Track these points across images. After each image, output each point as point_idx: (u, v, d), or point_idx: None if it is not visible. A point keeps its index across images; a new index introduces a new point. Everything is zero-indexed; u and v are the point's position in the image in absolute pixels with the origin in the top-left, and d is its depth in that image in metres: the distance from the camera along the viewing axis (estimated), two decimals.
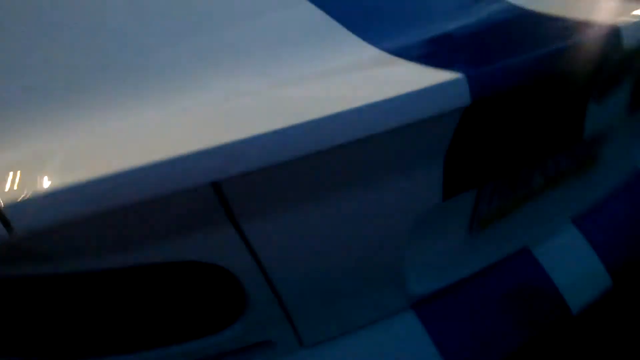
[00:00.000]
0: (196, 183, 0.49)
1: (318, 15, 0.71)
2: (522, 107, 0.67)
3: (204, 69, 0.61)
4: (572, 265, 0.94)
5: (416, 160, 0.62)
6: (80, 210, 0.47)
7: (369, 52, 0.64)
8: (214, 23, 0.70)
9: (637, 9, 0.76)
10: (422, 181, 0.65)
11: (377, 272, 0.71)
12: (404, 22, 0.72)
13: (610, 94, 0.79)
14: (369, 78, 0.61)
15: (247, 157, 0.50)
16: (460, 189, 0.69)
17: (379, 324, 0.80)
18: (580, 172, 0.99)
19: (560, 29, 0.68)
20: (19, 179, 0.47)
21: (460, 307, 0.86)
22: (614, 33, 0.67)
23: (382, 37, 0.67)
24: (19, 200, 0.45)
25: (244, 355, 0.72)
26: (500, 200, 0.87)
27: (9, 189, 0.46)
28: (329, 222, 0.62)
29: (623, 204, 1.03)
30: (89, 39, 0.65)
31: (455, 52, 0.64)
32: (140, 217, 0.50)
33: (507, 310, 0.87)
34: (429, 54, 0.63)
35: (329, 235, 0.63)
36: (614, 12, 0.72)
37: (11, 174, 0.48)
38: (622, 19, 0.69)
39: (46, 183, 0.46)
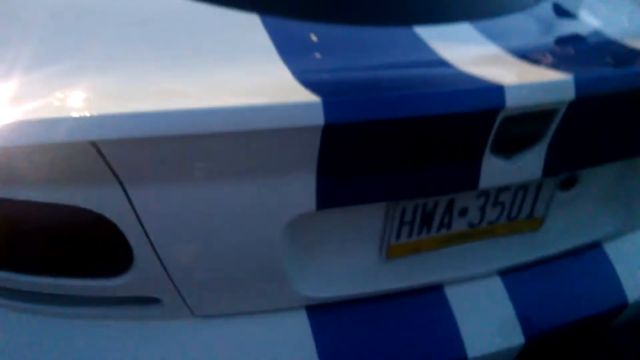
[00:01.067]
0: (77, 140, 0.64)
1: (264, 38, 0.85)
2: (386, 139, 0.74)
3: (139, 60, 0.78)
4: (485, 314, 0.97)
5: (288, 166, 0.72)
6: None
7: (280, 71, 0.76)
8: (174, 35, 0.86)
9: (524, 70, 0.80)
10: (296, 188, 0.74)
11: (256, 265, 0.81)
12: (327, 57, 0.83)
13: (521, 151, 0.83)
14: (260, 88, 0.73)
15: (121, 128, 0.64)
16: (333, 202, 0.78)
17: (271, 314, 0.89)
18: (518, 230, 1.01)
19: (447, 77, 0.76)
20: None
21: (355, 322, 0.93)
22: (497, 91, 0.74)
23: (300, 65, 0.79)
24: None
25: (140, 307, 0.85)
26: (413, 236, 0.93)
27: None
28: (206, 205, 0.74)
29: (558, 274, 1.04)
30: None
31: (344, 85, 0.74)
32: (42, 160, 0.66)
33: (399, 337, 0.93)
34: (321, 83, 0.74)
35: (206, 218, 0.75)
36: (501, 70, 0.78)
37: None
38: (508, 79, 0.75)
39: None
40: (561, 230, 1.05)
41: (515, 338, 0.96)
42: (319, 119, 0.67)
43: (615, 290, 1.05)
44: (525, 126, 0.80)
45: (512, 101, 0.74)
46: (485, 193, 0.93)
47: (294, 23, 0.89)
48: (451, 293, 0.97)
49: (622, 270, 1.07)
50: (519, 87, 0.75)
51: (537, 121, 0.80)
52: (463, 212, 0.94)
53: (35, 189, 0.69)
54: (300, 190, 0.75)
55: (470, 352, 0.93)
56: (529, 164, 0.85)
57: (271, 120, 0.67)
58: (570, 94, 0.77)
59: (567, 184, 1.01)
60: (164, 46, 0.82)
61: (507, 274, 1.01)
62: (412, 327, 0.94)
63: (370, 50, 0.85)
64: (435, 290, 0.97)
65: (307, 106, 0.67)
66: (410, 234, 0.92)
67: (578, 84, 0.77)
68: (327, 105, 0.67)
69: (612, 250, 1.09)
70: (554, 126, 0.81)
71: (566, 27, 1.02)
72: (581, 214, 1.06)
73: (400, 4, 0.97)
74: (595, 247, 1.08)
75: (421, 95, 0.72)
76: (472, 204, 0.94)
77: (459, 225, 0.96)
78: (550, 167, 0.86)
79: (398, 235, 0.92)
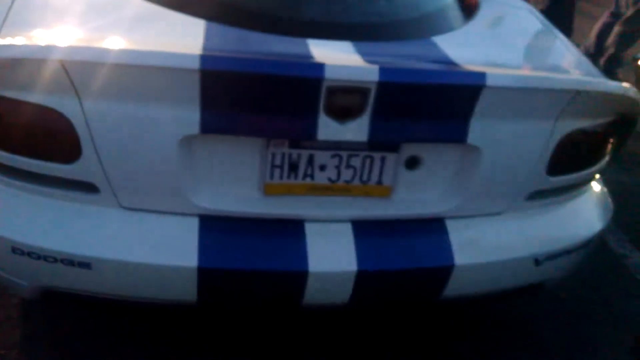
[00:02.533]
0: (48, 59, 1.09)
1: (201, 28, 1.30)
2: (247, 87, 1.14)
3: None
4: (330, 246, 1.31)
5: (181, 95, 1.13)
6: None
7: (195, 42, 1.21)
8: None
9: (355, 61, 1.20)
10: (186, 113, 1.15)
11: (159, 172, 1.21)
12: (237, 42, 1.27)
13: (352, 119, 1.20)
14: (176, 46, 1.17)
15: (80, 54, 1.09)
16: (211, 129, 1.17)
17: (172, 215, 1.28)
18: (371, 194, 1.36)
19: (300, 59, 1.18)
20: None
21: (233, 233, 1.29)
22: (320, 66, 1.12)
23: (212, 43, 1.23)
24: None
25: (85, 193, 1.26)
26: (283, 179, 1.30)
27: None
28: (125, 119, 1.15)
29: (401, 233, 1.37)
30: None
31: (227, 52, 1.17)
32: (31, 71, 1.11)
33: (261, 249, 1.28)
34: (216, 49, 1.18)
35: (125, 129, 1.16)
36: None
37: None
38: (334, 62, 1.14)
39: None
40: (408, 201, 1.39)
41: (349, 266, 1.29)
42: (195, 64, 1.09)
43: (445, 254, 1.36)
44: (349, 99, 1.18)
45: (329, 74, 1.13)
46: (339, 155, 1.30)
47: (228, 28, 1.34)
48: (309, 227, 1.32)
49: (456, 241, 1.38)
50: (337, 67, 1.14)
51: (357, 96, 1.18)
52: (322, 167, 1.31)
53: (21, 91, 1.14)
54: (188, 115, 1.16)
55: (311, 267, 1.27)
56: (357, 129, 1.21)
57: (170, 60, 1.09)
58: (374, 76, 1.15)
59: (411, 164, 1.35)
60: (131, 25, 1.29)
61: (357, 223, 1.35)
62: (273, 244, 1.30)
63: (266, 44, 1.28)
64: (297, 223, 1.32)
65: (191, 56, 1.09)
66: (281, 177, 1.30)
67: (382, 70, 1.15)
68: (203, 57, 1.09)
69: (452, 226, 1.40)
70: (370, 102, 1.18)
71: (417, 48, 1.40)
72: (425, 192, 1.40)
73: (302, 25, 1.40)
74: (438, 220, 1.40)
75: (269, 62, 1.13)
76: (329, 162, 1.30)
77: (321, 178, 1.32)
78: (373, 134, 1.22)
79: (271, 176, 1.29)
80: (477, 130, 1.28)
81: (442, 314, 2.06)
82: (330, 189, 1.34)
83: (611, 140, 1.55)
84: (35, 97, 1.15)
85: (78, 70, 1.11)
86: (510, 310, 2.13)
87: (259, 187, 1.31)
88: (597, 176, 1.69)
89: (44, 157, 1.21)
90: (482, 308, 2.10)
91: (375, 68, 1.15)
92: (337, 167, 1.32)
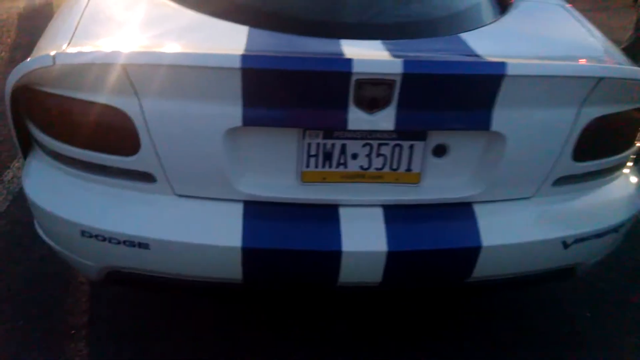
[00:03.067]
0: (114, 63, 1.25)
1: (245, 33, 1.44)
2: (285, 83, 1.26)
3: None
4: (362, 229, 1.41)
5: (225, 92, 1.27)
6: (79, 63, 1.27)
7: (238, 45, 1.35)
8: None
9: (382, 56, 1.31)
10: (229, 108, 1.29)
11: (207, 162, 1.35)
12: (276, 42, 1.41)
13: (379, 109, 1.30)
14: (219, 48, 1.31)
15: (139, 58, 1.24)
16: (253, 122, 1.30)
17: (221, 201, 1.42)
18: (402, 180, 1.46)
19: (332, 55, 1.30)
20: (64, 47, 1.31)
21: (275, 216, 1.42)
22: (348, 61, 1.23)
23: (254, 45, 1.37)
24: (58, 52, 1.28)
25: (144, 183, 1.41)
26: (319, 167, 1.42)
27: (61, 49, 1.30)
28: (178, 115, 1.30)
29: (430, 217, 1.46)
30: None
31: (266, 52, 1.31)
32: (97, 74, 1.28)
33: (300, 230, 1.40)
34: (258, 49, 1.31)
35: (178, 124, 1.31)
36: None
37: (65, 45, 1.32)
38: (361, 57, 1.25)
39: (71, 49, 1.29)
40: (437, 187, 1.48)
41: (379, 246, 1.39)
42: (237, 64, 1.22)
43: (473, 236, 1.44)
44: (376, 90, 1.28)
45: (357, 68, 1.24)
46: (369, 145, 1.40)
47: (268, 32, 1.47)
48: (343, 211, 1.44)
49: (483, 224, 1.46)
50: (364, 61, 1.25)
51: (383, 88, 1.28)
52: (354, 156, 1.42)
53: (89, 93, 1.31)
54: (232, 109, 1.29)
55: (345, 247, 1.38)
56: (385, 119, 1.32)
57: (215, 61, 1.24)
58: (399, 69, 1.25)
59: (439, 152, 1.44)
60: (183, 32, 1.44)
61: (388, 208, 1.45)
62: (310, 227, 1.42)
63: (303, 45, 1.40)
64: (332, 208, 1.44)
65: (233, 56, 1.23)
66: (316, 165, 1.42)
67: (406, 63, 1.25)
68: (243, 57, 1.23)
69: (479, 209, 1.48)
70: (396, 93, 1.29)
71: (443, 44, 1.49)
72: (453, 178, 1.48)
73: (336, 27, 1.52)
74: (466, 205, 1.48)
75: (301, 59, 1.25)
76: (360, 151, 1.41)
77: (353, 166, 1.43)
78: (400, 123, 1.32)
79: (307, 164, 1.41)
80: (501, 117, 1.36)
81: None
82: (362, 176, 1.45)
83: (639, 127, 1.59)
84: (101, 98, 1.31)
85: (137, 73, 1.26)
86: (544, 296, 2.17)
87: (296, 175, 1.44)
88: (630, 163, 1.73)
89: (108, 151, 1.38)
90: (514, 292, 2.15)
91: (399, 61, 1.26)
92: (368, 156, 1.42)
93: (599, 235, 1.55)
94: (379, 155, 1.43)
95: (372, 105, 1.31)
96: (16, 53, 4.30)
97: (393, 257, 1.40)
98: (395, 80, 1.27)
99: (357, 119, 1.32)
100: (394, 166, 1.44)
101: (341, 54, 1.34)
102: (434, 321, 2.06)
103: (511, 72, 1.29)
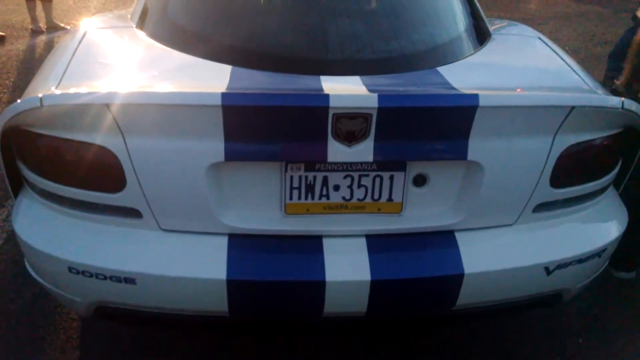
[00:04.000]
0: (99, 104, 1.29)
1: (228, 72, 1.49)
2: (264, 119, 1.31)
3: None
4: (345, 258, 1.44)
5: (208, 128, 1.31)
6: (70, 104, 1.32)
7: (220, 84, 1.40)
8: None
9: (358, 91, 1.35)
10: (212, 143, 1.32)
11: (191, 197, 1.38)
12: (254, 80, 1.46)
13: (357, 142, 1.34)
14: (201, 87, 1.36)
15: (121, 98, 1.29)
16: (235, 157, 1.34)
17: (206, 235, 1.45)
18: (384, 210, 1.49)
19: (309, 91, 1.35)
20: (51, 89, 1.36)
21: (258, 248, 1.44)
22: (325, 96, 1.28)
23: (235, 83, 1.41)
24: (46, 94, 1.32)
25: (130, 218, 1.44)
26: (302, 199, 1.45)
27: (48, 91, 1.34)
28: (162, 152, 1.34)
29: (412, 245, 1.48)
30: None
31: (246, 89, 1.35)
32: (83, 115, 1.32)
33: (283, 261, 1.42)
34: (236, 87, 1.36)
35: (162, 161, 1.34)
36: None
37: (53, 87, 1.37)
38: (337, 92, 1.30)
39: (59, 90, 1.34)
40: (418, 215, 1.51)
41: (363, 276, 1.41)
42: (218, 101, 1.27)
43: (455, 263, 1.46)
44: (353, 124, 1.33)
45: (334, 103, 1.28)
46: (350, 176, 1.44)
47: (251, 71, 1.52)
48: (326, 242, 1.46)
49: (465, 253, 1.48)
50: (341, 96, 1.30)
51: (360, 121, 1.32)
52: (336, 187, 1.45)
53: (76, 132, 1.35)
54: (214, 145, 1.33)
55: (329, 277, 1.40)
56: (364, 151, 1.36)
57: (196, 99, 1.28)
58: (374, 103, 1.29)
59: (419, 182, 1.48)
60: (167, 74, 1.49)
61: (371, 237, 1.48)
62: (294, 258, 1.44)
63: (284, 82, 1.45)
64: (315, 238, 1.46)
65: (214, 94, 1.27)
66: (299, 197, 1.45)
67: (381, 97, 1.30)
68: (224, 95, 1.27)
69: (461, 237, 1.51)
70: (373, 126, 1.33)
71: (419, 77, 1.54)
72: (434, 207, 1.51)
73: (317, 64, 1.57)
74: (447, 233, 1.51)
75: (280, 95, 1.30)
76: (342, 183, 1.45)
77: (336, 197, 1.46)
78: (378, 154, 1.36)
79: (290, 197, 1.45)
80: (477, 147, 1.40)
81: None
82: (345, 207, 1.48)
83: (617, 152, 1.63)
84: (87, 137, 1.36)
85: (121, 112, 1.31)
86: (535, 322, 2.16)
87: (280, 207, 1.47)
88: (610, 188, 1.76)
89: (95, 188, 1.41)
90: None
91: (374, 96, 1.30)
92: (350, 187, 1.46)
93: (581, 260, 1.56)
94: (360, 186, 1.46)
95: (350, 138, 1.35)
96: (15, 94, 4.39)
97: (377, 286, 1.42)
98: (371, 113, 1.32)
99: (337, 151, 1.36)
100: (376, 196, 1.47)
101: (320, 89, 1.39)
102: (419, 347, 2.06)
103: (484, 103, 1.33)
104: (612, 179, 1.68)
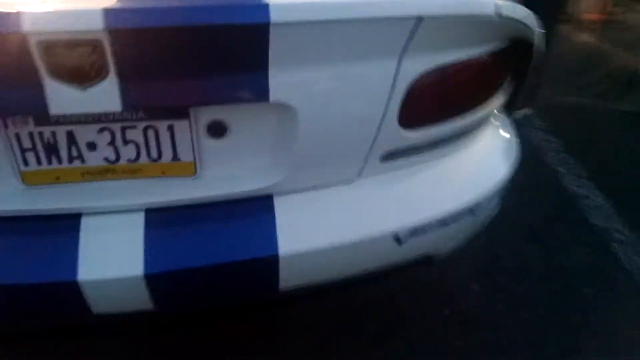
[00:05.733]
0: None
1: None
2: None
3: None
4: (110, 245, 1.03)
5: None
6: None
7: None
8: None
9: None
10: None
11: None
12: None
13: (94, 82, 0.90)
14: None
15: None
16: None
17: None
18: (172, 173, 1.07)
19: None
20: None
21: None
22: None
23: None
24: None
25: None
26: (43, 164, 1.01)
27: None
28: None
29: (211, 220, 1.08)
30: None
31: None
32: None
33: (22, 255, 1.02)
34: None
35: None
36: None
37: None
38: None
39: None
40: (220, 178, 1.09)
41: (132, 270, 1.02)
42: None
43: (267, 242, 1.08)
44: (78, 56, 0.87)
45: (34, 25, 0.82)
46: (109, 129, 1.00)
47: None
48: (86, 221, 1.04)
49: (283, 225, 1.09)
50: (41, 15, 0.83)
51: (87, 51, 0.87)
52: (91, 146, 1.02)
53: None
54: None
55: (82, 276, 1.00)
56: (105, 95, 0.91)
57: None
58: (98, 23, 0.83)
59: (216, 132, 1.05)
60: None
61: (153, 212, 1.07)
62: (36, 249, 1.03)
63: None
64: (70, 218, 1.05)
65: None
66: (39, 162, 1.01)
67: (109, 15, 0.83)
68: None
69: (280, 204, 1.11)
70: (109, 58, 0.88)
71: None
72: (243, 165, 1.10)
73: None
74: (263, 198, 1.11)
75: None
76: (98, 140, 1.01)
77: (95, 160, 1.03)
78: (128, 99, 0.92)
79: (25, 162, 1.01)
80: (282, 84, 0.97)
81: None
82: (112, 172, 1.06)
83: (497, 76, 1.22)
84: None
85: None
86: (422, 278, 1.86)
87: (16, 176, 1.03)
88: (491, 121, 1.38)
89: None
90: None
91: (98, 11, 0.84)
92: (113, 144, 1.02)
93: (444, 222, 1.21)
94: (127, 142, 1.03)
95: (80, 77, 0.90)
96: None
97: (156, 281, 1.04)
98: (99, 39, 0.86)
99: (63, 98, 0.90)
100: (154, 155, 1.05)
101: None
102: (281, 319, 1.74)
103: (277, 18, 0.89)
104: (492, 109, 1.29)
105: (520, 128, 1.54)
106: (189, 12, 0.88)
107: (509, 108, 1.48)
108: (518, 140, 1.42)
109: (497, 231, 2.00)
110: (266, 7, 0.88)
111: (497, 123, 1.41)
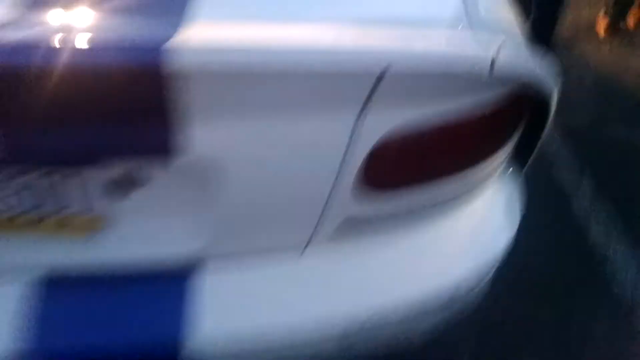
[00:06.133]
0: None
1: None
2: None
3: None
4: None
5: None
6: None
7: None
8: None
9: None
10: None
11: None
12: None
13: None
14: None
15: None
16: None
17: None
18: (73, 229, 0.88)
19: None
20: None
21: None
22: None
23: None
24: None
25: None
26: None
27: None
28: None
29: (112, 291, 0.89)
30: None
31: None
32: None
33: None
34: None
35: None
36: None
37: None
38: None
39: None
40: (130, 239, 0.90)
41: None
42: None
43: (180, 323, 0.87)
44: None
45: None
46: None
47: None
48: None
49: (203, 302, 0.89)
50: None
51: None
52: None
53: None
54: None
55: None
56: None
57: None
58: None
59: (123, 185, 0.86)
60: None
61: (50, 278, 0.88)
62: None
63: None
64: None
65: None
66: None
67: None
68: None
69: (200, 276, 0.91)
70: None
71: None
72: (159, 225, 0.90)
73: None
74: (179, 268, 0.91)
75: None
76: None
77: None
78: (5, 148, 0.73)
79: None
80: (204, 135, 0.77)
81: None
82: (6, 226, 0.87)
83: (493, 131, 0.98)
84: None
85: None
86: None
87: None
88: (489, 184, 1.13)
89: None
90: None
91: None
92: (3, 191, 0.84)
93: (404, 319, 0.97)
94: (20, 189, 0.84)
95: None
96: None
97: None
98: None
99: None
100: (49, 207, 0.86)
101: None
102: None
103: (191, 63, 0.69)
104: (491, 170, 1.05)
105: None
106: (84, 52, 0.69)
107: (518, 162, 1.23)
108: (521, 208, 1.16)
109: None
110: (177, 50, 0.68)
111: (496, 184, 1.16)
